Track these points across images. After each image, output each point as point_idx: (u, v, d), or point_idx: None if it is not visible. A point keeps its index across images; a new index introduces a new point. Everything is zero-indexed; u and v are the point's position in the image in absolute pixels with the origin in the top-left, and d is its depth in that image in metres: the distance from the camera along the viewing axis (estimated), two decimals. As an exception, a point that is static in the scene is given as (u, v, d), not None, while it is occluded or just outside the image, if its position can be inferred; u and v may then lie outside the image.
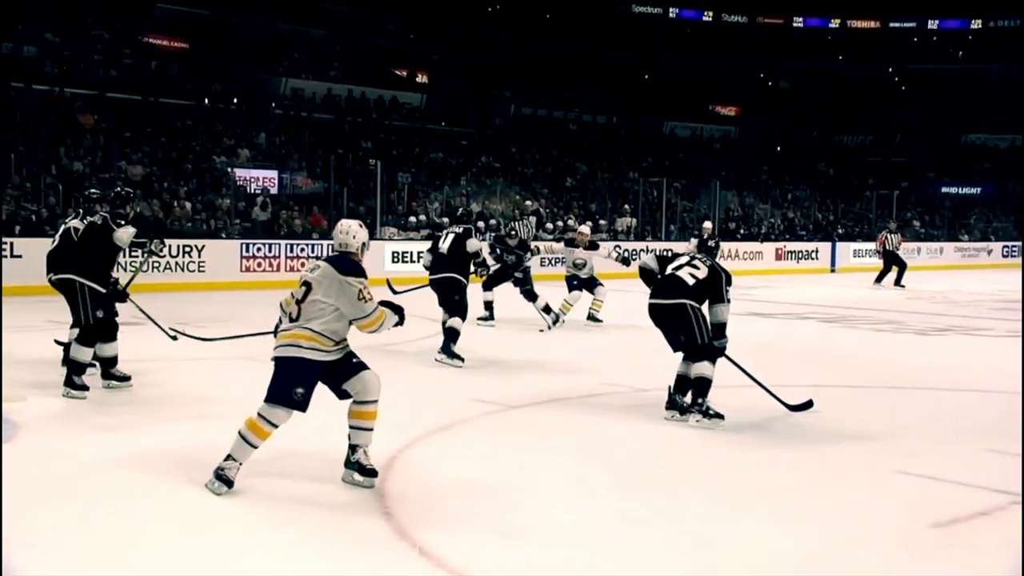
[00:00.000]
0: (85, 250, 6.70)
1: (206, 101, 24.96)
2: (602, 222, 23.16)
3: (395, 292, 9.93)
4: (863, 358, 9.17)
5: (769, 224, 27.66)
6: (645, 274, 6.44)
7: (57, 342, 7.41)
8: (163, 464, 4.83)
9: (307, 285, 4.27)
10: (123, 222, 6.83)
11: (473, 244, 8.79)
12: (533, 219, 20.27)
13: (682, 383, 6.10)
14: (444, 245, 8.80)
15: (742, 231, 25.86)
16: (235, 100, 25.90)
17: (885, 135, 38.95)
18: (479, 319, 10.78)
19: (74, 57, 24.20)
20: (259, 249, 16.49)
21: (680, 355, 6.18)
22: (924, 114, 38.57)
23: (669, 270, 6.28)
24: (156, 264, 14.93)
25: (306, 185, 21.56)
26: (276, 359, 4.27)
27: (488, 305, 11.12)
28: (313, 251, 16.97)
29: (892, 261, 18.30)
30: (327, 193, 20.14)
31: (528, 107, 33.74)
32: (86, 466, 4.82)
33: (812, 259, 24.37)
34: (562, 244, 11.75)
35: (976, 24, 41.65)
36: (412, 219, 20.24)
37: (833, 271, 24.02)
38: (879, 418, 6.34)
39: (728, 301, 6.16)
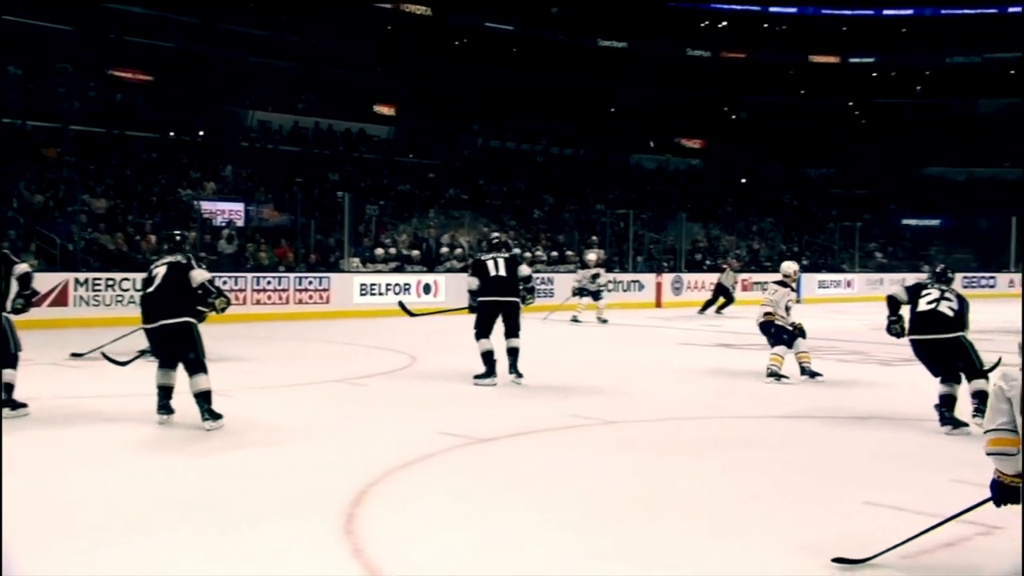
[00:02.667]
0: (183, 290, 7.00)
1: (171, 134, 24.84)
2: (569, 253, 23.26)
3: (412, 315, 10.26)
4: (830, 388, 9.25)
5: (735, 255, 27.90)
6: (893, 303, 7.37)
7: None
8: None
9: None
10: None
11: (525, 269, 9.25)
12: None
13: (947, 401, 6.94)
14: (501, 270, 8.98)
15: (708, 262, 26.08)
16: (201, 133, 25.78)
17: (847, 167, 39.59)
18: None
19: (37, 90, 23.98)
20: (225, 282, 16.29)
21: (939, 379, 6.99)
22: (885, 147, 39.31)
23: (924, 305, 7.09)
24: (119, 298, 14.77)
25: (273, 217, 21.46)
26: None
27: None
28: (280, 283, 16.88)
29: (722, 292, 19.82)
30: (294, 225, 20.05)
31: (495, 139, 33.92)
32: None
33: (778, 290, 24.52)
34: (775, 288, 10.06)
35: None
36: (379, 251, 20.20)
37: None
38: (846, 448, 6.38)
39: (967, 327, 7.02)
